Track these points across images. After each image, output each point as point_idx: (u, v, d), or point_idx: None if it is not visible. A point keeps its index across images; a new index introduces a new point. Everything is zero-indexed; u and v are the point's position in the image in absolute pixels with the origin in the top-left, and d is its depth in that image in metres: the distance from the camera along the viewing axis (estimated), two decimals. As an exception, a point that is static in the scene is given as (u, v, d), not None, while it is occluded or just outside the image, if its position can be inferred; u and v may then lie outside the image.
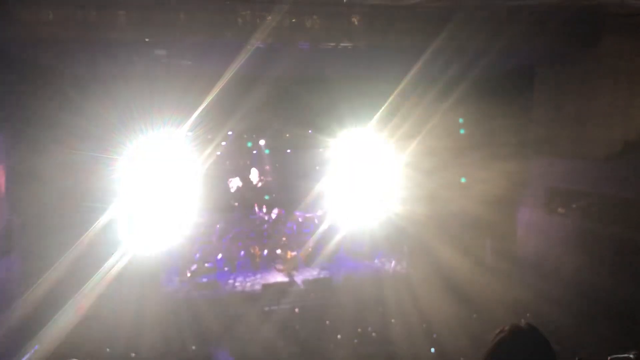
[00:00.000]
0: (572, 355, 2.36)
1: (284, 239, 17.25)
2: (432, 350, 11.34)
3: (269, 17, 9.12)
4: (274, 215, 18.59)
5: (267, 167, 18.77)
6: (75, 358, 2.55)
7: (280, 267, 16.21)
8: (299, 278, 15.46)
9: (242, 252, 16.75)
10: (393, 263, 16.73)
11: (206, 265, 15.71)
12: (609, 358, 2.50)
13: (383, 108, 14.29)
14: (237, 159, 18.67)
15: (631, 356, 2.44)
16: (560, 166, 12.65)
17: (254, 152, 18.54)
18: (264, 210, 18.83)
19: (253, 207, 18.84)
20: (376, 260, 17.14)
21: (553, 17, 10.25)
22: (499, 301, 12.54)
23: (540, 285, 13.00)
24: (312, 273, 16.10)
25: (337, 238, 17.03)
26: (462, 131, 14.42)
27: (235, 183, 18.41)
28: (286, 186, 19.07)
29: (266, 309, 13.69)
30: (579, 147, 12.00)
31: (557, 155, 12.72)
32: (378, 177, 16.92)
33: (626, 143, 11.03)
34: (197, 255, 16.02)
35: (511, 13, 9.86)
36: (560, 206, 12.84)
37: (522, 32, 10.18)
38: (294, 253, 16.35)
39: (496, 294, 12.98)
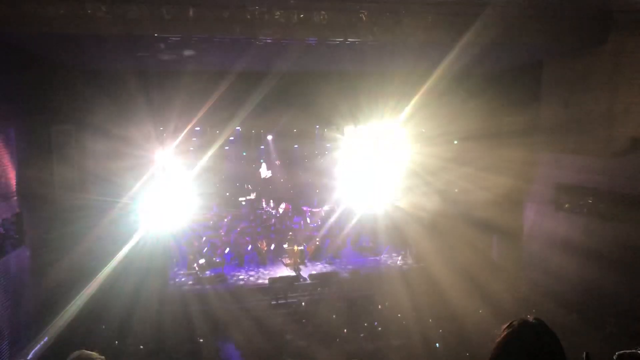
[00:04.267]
0: (579, 351, 2.38)
1: (290, 233, 17.32)
2: (437, 345, 11.37)
3: (277, 13, 9.16)
4: (281, 210, 18.66)
5: (277, 162, 18.88)
6: (84, 350, 2.57)
7: (287, 261, 16.27)
8: (305, 272, 15.52)
9: (250, 247, 16.82)
10: (399, 258, 16.78)
11: (214, 259, 15.80)
12: (616, 354, 2.51)
13: (390, 103, 14.30)
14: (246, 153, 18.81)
15: (639, 352, 2.44)
16: (568, 162, 12.60)
17: (262, 147, 18.62)
18: (272, 204, 18.90)
19: (261, 201, 18.95)
20: (382, 256, 17.18)
21: (561, 14, 10.22)
22: (504, 297, 12.57)
23: (546, 282, 13.00)
24: (318, 267, 16.18)
25: (344, 233, 17.12)
26: (467, 127, 14.37)
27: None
28: (293, 181, 19.14)
29: (273, 302, 13.79)
30: (587, 143, 11.95)
31: (565, 151, 12.67)
32: (385, 173, 16.93)
33: (634, 140, 10.99)
34: (205, 249, 16.12)
35: (520, 9, 9.83)
36: (568, 202, 12.81)
37: (531, 28, 10.15)
38: (300, 247, 16.40)
39: (502, 290, 13.00)
